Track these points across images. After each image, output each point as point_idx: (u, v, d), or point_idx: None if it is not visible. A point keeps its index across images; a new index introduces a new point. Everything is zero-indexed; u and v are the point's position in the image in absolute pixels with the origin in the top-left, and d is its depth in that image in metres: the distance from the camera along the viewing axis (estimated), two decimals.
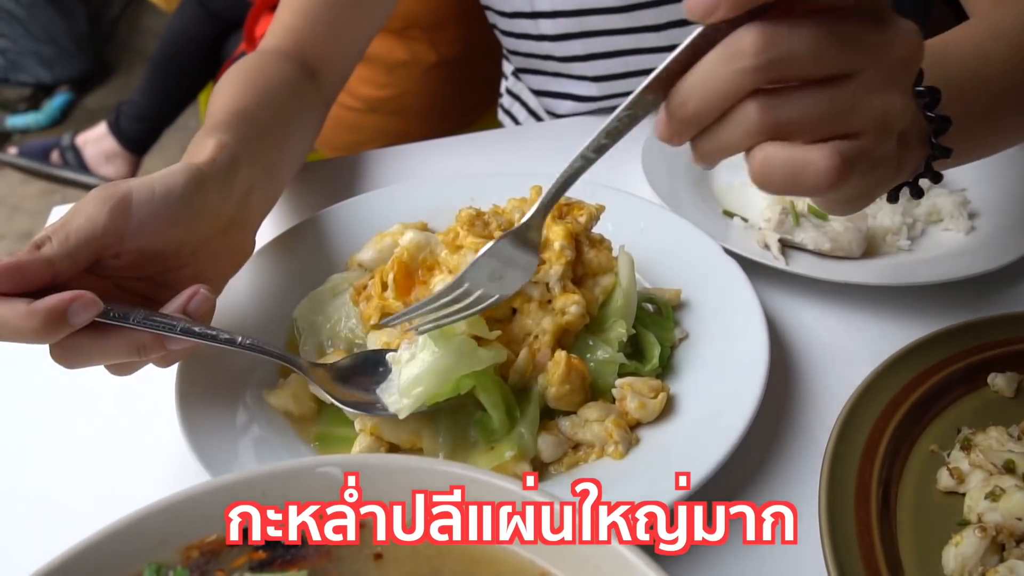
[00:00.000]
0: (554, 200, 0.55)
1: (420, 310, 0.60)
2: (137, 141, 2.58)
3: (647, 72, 1.11)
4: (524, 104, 1.27)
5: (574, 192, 0.73)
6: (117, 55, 4.94)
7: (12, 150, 2.80)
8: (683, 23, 1.02)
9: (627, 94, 1.10)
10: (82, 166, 2.68)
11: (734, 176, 0.92)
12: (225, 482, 0.45)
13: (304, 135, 0.88)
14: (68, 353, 0.58)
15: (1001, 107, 0.67)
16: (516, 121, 1.29)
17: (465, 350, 0.60)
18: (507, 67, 1.32)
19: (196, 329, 0.59)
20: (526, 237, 0.58)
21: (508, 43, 1.14)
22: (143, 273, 0.63)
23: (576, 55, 1.07)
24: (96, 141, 2.65)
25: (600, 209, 0.70)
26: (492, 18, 1.13)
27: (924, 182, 0.60)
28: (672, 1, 1.02)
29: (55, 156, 2.70)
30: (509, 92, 1.32)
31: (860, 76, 0.47)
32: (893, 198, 0.63)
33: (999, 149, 0.73)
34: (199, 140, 0.71)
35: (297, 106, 0.86)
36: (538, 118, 1.24)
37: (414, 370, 0.60)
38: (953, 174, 0.93)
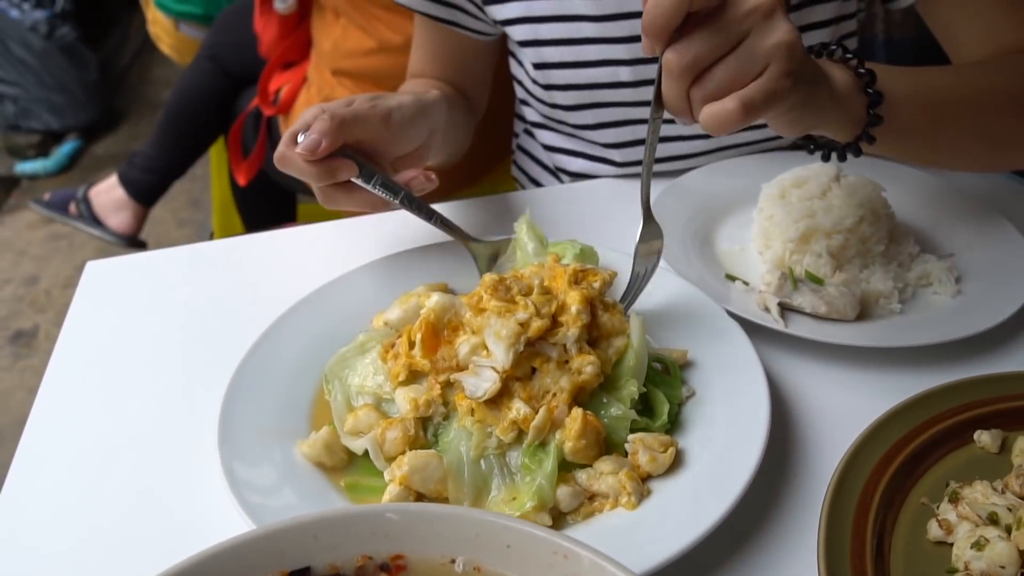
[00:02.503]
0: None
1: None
2: (146, 192, 2.63)
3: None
4: (536, 159, 1.33)
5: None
6: (126, 103, 5.02)
7: (46, 196, 2.86)
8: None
9: (634, 163, 1.18)
10: (92, 216, 2.72)
11: (735, 242, 0.97)
12: (279, 527, 0.49)
13: (465, 122, 1.21)
14: (327, 196, 0.85)
15: (941, 117, 0.86)
16: (527, 175, 1.35)
17: None
18: (518, 125, 1.37)
19: (412, 199, 0.85)
20: (648, 219, 0.80)
21: (524, 97, 1.22)
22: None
23: (587, 124, 1.14)
24: (106, 191, 2.69)
25: (613, 275, 0.75)
26: (517, 72, 1.21)
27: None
28: None
29: (72, 208, 2.75)
30: (520, 148, 1.37)
31: (748, 37, 0.66)
32: (825, 157, 0.84)
33: (948, 159, 0.94)
34: (419, 86, 1.10)
35: (458, 101, 1.18)
36: (551, 171, 1.29)
37: None
38: (942, 240, 0.99)
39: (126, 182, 2.60)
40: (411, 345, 0.73)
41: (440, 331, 0.73)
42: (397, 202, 0.83)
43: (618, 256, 0.88)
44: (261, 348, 0.80)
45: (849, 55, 0.80)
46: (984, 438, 0.72)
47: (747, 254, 0.96)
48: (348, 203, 0.85)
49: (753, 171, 1.05)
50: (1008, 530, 0.60)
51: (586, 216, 1.07)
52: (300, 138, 0.80)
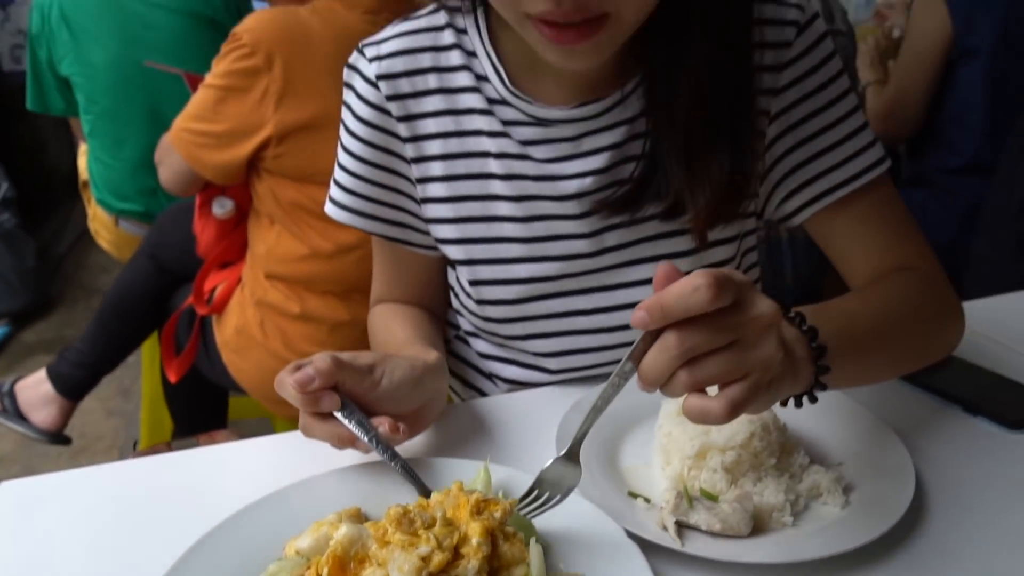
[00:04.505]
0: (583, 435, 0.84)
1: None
2: (75, 387, 2.59)
3: (579, 351, 1.29)
4: (471, 365, 1.38)
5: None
6: (60, 289, 5.02)
7: None
8: (608, 310, 1.18)
9: (568, 370, 1.27)
10: (16, 412, 2.66)
11: (640, 458, 1.03)
12: None
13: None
14: (306, 424, 0.93)
15: (868, 349, 0.98)
16: (462, 380, 1.40)
17: None
18: (450, 332, 1.43)
19: (379, 445, 0.90)
20: (572, 456, 0.85)
21: (458, 307, 1.30)
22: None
23: (518, 335, 1.22)
24: (33, 386, 2.65)
25: (514, 504, 0.79)
26: (453, 283, 1.29)
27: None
28: (600, 290, 1.18)
29: None
30: (452, 354, 1.42)
31: (740, 342, 0.74)
32: (797, 404, 0.89)
33: (875, 381, 1.08)
34: (416, 348, 1.11)
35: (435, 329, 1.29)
36: (486, 376, 1.35)
37: None
38: (831, 450, 1.05)
39: (55, 377, 2.58)
40: None
41: (347, 564, 0.75)
42: (366, 440, 0.90)
43: (522, 476, 0.92)
44: None
45: (791, 314, 0.89)
46: None
47: (651, 470, 1.01)
48: (322, 433, 0.92)
49: None
50: None
51: (522, 428, 1.12)
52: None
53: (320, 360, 0.92)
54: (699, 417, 0.75)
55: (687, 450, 0.96)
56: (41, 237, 5.01)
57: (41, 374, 2.66)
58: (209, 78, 1.89)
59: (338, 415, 0.91)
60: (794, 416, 1.06)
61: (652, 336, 0.75)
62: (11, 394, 2.69)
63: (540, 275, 1.17)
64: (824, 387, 0.88)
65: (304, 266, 1.92)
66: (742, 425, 0.97)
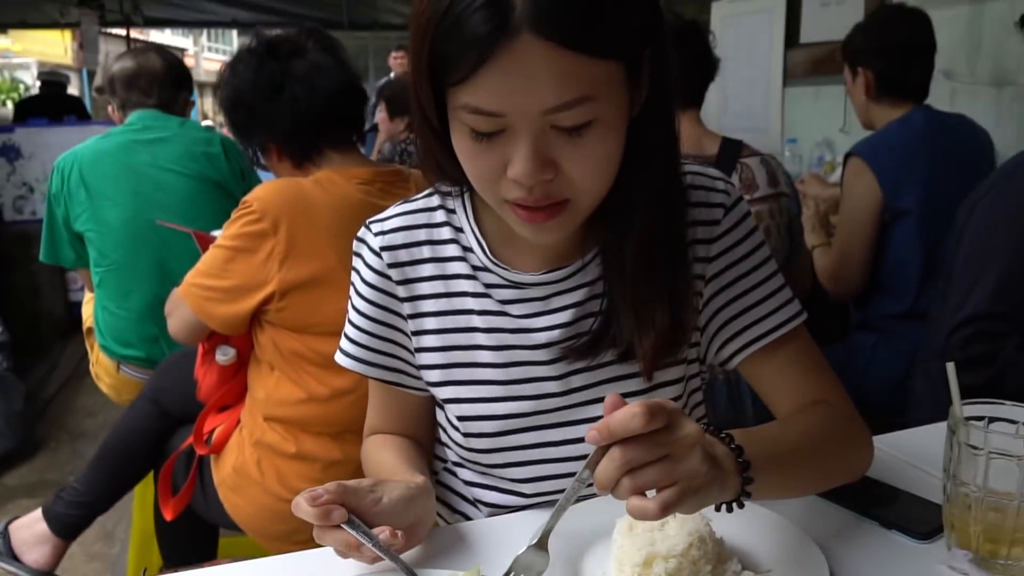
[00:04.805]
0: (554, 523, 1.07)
1: None
2: (70, 527, 2.66)
3: (550, 477, 1.52)
4: (458, 493, 1.55)
5: None
6: (46, 432, 5.07)
7: None
8: (575, 442, 1.39)
9: (540, 494, 1.50)
10: (9, 551, 2.73)
11: (599, 569, 1.20)
12: None
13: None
14: (319, 533, 1.11)
15: (788, 466, 1.18)
16: (448, 506, 1.56)
17: None
18: (437, 464, 1.60)
19: (381, 548, 1.10)
20: (541, 545, 1.07)
21: (446, 440, 1.49)
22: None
23: (498, 463, 1.42)
24: (28, 526, 2.71)
25: None
26: (441, 420, 1.49)
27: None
28: (568, 424, 1.38)
29: None
30: (440, 483, 1.59)
31: (671, 456, 0.95)
32: (728, 510, 1.08)
33: (795, 494, 1.27)
34: (405, 473, 1.32)
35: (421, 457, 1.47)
36: (471, 502, 1.51)
37: None
38: (761, 558, 1.23)
39: (51, 518, 2.65)
40: None
41: None
42: (370, 545, 1.09)
43: None
44: None
45: (722, 435, 1.10)
46: None
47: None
48: (332, 540, 1.11)
49: (612, 508, 1.29)
50: None
51: (501, 547, 1.28)
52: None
53: (329, 484, 1.13)
54: (638, 514, 0.94)
55: (636, 559, 1.13)
56: (30, 380, 5.11)
57: (36, 514, 2.73)
58: (220, 239, 2.12)
59: (345, 527, 1.10)
60: (729, 529, 1.24)
61: (603, 450, 0.96)
62: (5, 534, 2.76)
63: (517, 412, 1.38)
64: (749, 495, 1.08)
65: (301, 409, 2.09)
66: (682, 537, 1.15)
